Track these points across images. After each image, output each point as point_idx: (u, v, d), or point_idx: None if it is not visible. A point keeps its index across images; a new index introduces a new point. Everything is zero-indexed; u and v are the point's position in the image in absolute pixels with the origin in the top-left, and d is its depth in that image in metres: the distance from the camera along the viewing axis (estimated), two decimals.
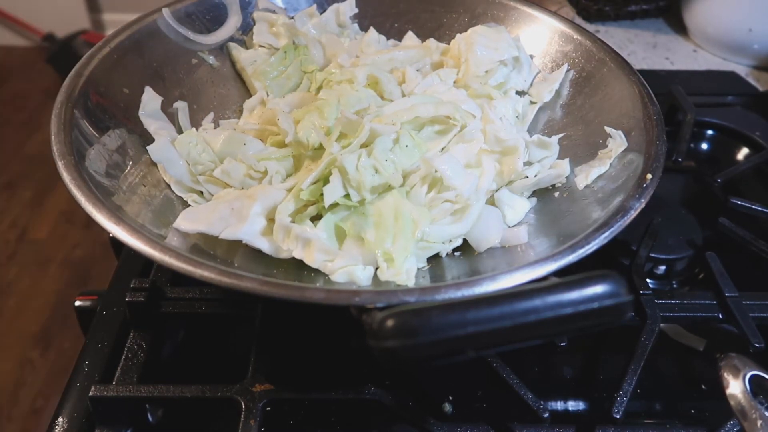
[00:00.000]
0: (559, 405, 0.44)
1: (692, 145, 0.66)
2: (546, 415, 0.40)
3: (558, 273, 0.37)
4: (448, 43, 0.59)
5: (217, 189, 0.47)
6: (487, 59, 0.55)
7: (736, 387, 0.38)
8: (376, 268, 0.41)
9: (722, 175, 0.59)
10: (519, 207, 0.48)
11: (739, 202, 0.54)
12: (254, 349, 0.43)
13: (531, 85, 0.58)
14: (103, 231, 0.38)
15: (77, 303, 0.50)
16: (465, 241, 0.46)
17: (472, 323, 0.30)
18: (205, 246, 0.41)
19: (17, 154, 1.95)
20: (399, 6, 0.64)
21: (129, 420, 0.41)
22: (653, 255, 0.50)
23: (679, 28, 0.90)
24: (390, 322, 0.30)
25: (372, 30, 0.62)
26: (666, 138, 0.47)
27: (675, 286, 0.52)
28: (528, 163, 0.51)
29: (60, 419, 0.41)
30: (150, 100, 0.51)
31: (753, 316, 0.45)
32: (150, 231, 0.39)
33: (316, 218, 0.43)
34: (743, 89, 0.75)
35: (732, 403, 0.38)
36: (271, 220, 0.42)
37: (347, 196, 0.43)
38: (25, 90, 2.27)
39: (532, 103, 0.57)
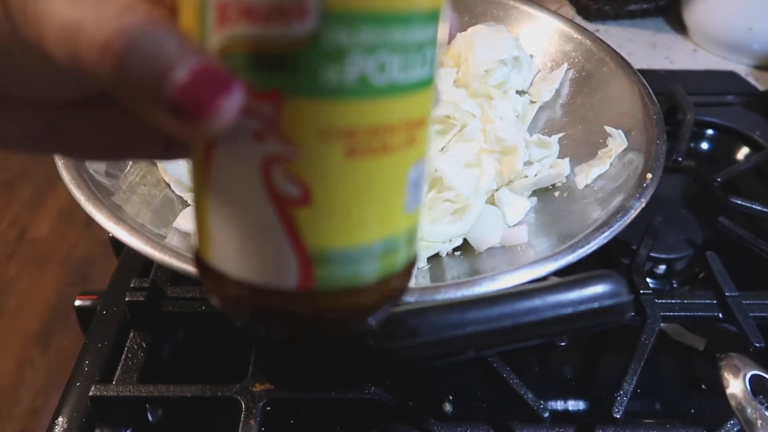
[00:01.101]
0: (559, 405, 0.44)
1: (692, 145, 0.66)
2: (546, 415, 0.40)
3: (558, 273, 0.37)
4: (448, 43, 0.59)
5: None
6: (487, 59, 0.55)
7: (736, 387, 0.38)
8: None
9: (722, 175, 0.59)
10: (519, 207, 0.48)
11: (739, 202, 0.54)
12: (254, 349, 0.43)
13: (531, 84, 0.58)
14: (103, 230, 0.38)
15: (77, 303, 0.50)
16: (465, 240, 0.46)
17: (472, 323, 0.30)
18: None
19: (17, 153, 1.94)
20: None
21: (129, 420, 0.41)
22: (653, 255, 0.50)
23: (679, 27, 0.90)
24: (389, 323, 0.30)
25: None
26: (666, 137, 0.47)
27: (675, 286, 0.52)
28: (528, 163, 0.51)
29: (60, 419, 0.41)
30: None
31: (753, 316, 0.45)
32: (150, 231, 0.39)
33: None
34: (743, 89, 0.75)
35: (732, 403, 0.38)
36: None
37: None
38: None
39: (532, 102, 0.57)
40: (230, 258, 0.18)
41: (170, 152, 0.22)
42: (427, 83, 0.18)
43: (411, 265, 0.21)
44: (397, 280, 0.20)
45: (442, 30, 0.18)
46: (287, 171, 0.17)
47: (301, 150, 0.16)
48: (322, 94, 0.16)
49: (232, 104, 0.15)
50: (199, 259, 0.20)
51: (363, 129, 0.16)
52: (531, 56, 0.59)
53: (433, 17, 0.17)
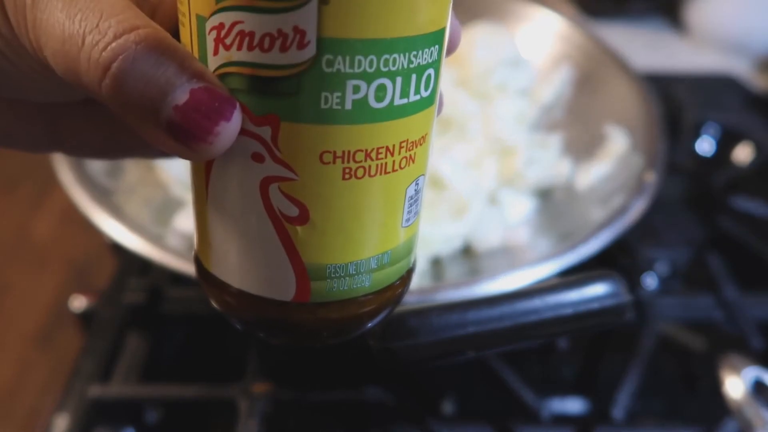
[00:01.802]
0: (559, 405, 0.44)
1: (692, 145, 0.66)
2: (546, 415, 0.40)
3: (558, 273, 0.37)
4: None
5: None
6: (487, 59, 0.55)
7: (736, 387, 0.38)
8: None
9: (722, 175, 0.59)
10: (519, 207, 0.48)
11: (739, 203, 0.55)
12: (254, 348, 0.43)
13: (531, 84, 0.58)
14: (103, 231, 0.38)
15: (77, 303, 0.50)
16: (465, 241, 0.46)
17: (472, 323, 0.30)
18: None
19: (17, 154, 1.94)
20: None
21: (129, 420, 0.41)
22: (653, 255, 0.50)
23: (680, 27, 0.90)
24: (389, 323, 0.30)
25: None
26: (666, 138, 0.47)
27: (675, 286, 0.52)
28: (528, 163, 0.51)
29: (59, 419, 0.41)
30: None
31: (753, 316, 0.45)
32: (149, 231, 0.39)
33: None
34: (743, 89, 0.75)
35: (732, 402, 0.38)
36: None
37: None
38: None
39: (532, 102, 0.57)
40: (229, 269, 0.19)
41: None
42: (428, 103, 0.18)
43: (410, 272, 0.21)
44: (395, 289, 0.20)
45: (445, 44, 0.18)
46: (285, 191, 0.17)
47: (299, 172, 0.16)
48: (320, 120, 0.16)
49: (229, 128, 0.15)
50: (198, 264, 0.20)
51: (361, 152, 0.16)
52: (531, 56, 0.59)
53: (435, 39, 0.17)
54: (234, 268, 0.18)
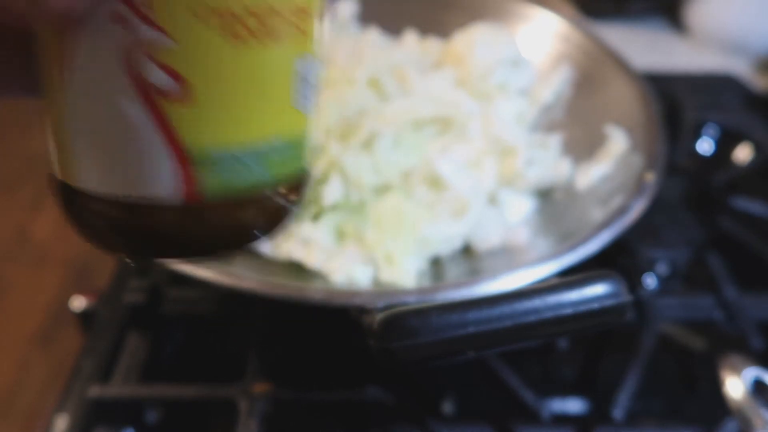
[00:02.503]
0: (559, 405, 0.44)
1: (692, 145, 0.66)
2: (546, 415, 0.40)
3: (558, 273, 0.37)
4: (448, 42, 0.59)
5: None
6: (487, 59, 0.55)
7: (736, 387, 0.38)
8: (376, 269, 0.41)
9: (722, 175, 0.59)
10: (519, 207, 0.48)
11: (739, 203, 0.55)
12: (254, 349, 0.43)
13: (531, 84, 0.58)
14: None
15: (77, 303, 0.50)
16: (465, 241, 0.46)
17: (472, 323, 0.30)
18: None
19: (17, 154, 1.94)
20: (399, 5, 0.64)
21: (129, 420, 0.41)
22: (653, 255, 0.50)
23: (680, 27, 0.90)
24: (389, 323, 0.30)
25: (372, 29, 0.62)
26: (666, 138, 0.47)
27: (675, 286, 0.52)
28: (528, 163, 0.51)
29: (59, 419, 0.41)
30: None
31: (753, 316, 0.45)
32: None
33: (315, 218, 0.43)
34: (743, 89, 0.75)
35: (732, 403, 0.38)
36: None
37: (347, 196, 0.43)
38: None
39: (532, 103, 0.57)
40: (98, 174, 0.16)
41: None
42: None
43: (303, 178, 0.19)
44: (290, 192, 0.18)
45: None
46: (157, 58, 0.14)
47: (171, 33, 0.14)
48: None
49: None
50: (57, 186, 0.18)
51: (242, 9, 0.15)
52: (531, 56, 0.59)
53: None
54: (105, 172, 0.16)
